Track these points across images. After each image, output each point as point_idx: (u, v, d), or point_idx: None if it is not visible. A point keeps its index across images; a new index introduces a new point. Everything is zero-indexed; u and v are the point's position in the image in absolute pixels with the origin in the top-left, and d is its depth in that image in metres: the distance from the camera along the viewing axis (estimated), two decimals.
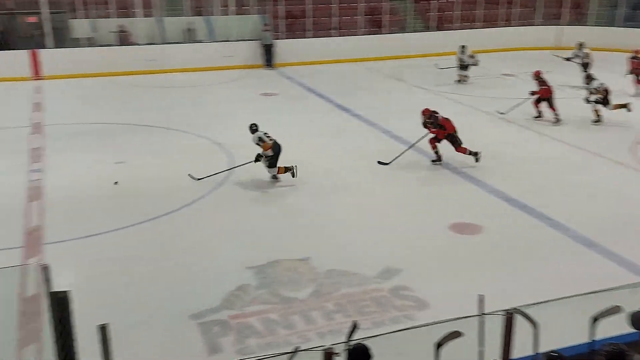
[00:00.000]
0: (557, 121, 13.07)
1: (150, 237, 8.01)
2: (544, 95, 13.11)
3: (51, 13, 18.90)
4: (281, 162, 9.64)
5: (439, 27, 23.26)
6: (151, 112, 14.39)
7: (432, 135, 10.44)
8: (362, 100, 15.67)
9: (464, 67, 17.35)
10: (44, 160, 10.93)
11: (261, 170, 9.74)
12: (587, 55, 17.15)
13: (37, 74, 18.33)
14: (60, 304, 3.59)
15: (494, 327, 4.01)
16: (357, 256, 7.43)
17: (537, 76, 13.27)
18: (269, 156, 9.51)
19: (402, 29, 23.08)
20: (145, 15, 20.28)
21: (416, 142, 10.71)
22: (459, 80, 17.41)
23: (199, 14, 21.52)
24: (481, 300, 3.96)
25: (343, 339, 3.78)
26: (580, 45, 17.46)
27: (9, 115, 14.05)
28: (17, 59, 17.96)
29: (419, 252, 7.55)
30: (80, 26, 19.72)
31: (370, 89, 17.15)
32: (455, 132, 10.37)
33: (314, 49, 20.92)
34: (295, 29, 21.60)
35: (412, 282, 6.80)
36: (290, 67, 20.17)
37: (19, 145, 11.78)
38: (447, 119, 10.40)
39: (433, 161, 10.58)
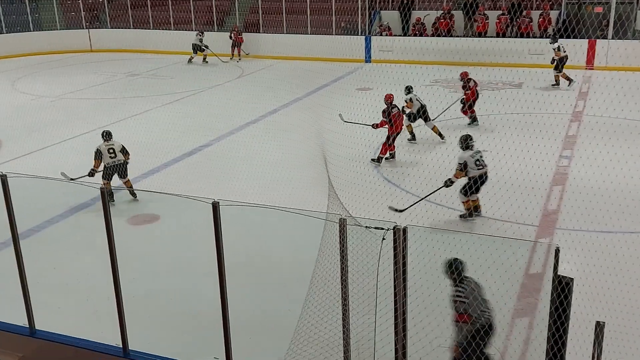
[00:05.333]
0: None
1: None
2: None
3: (618, 3, 18.71)
4: None
5: None
6: None
7: None
8: None
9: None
10: (575, 149, 11.28)
11: None
12: None
13: (589, 64, 18.63)
14: (563, 288, 3.84)
15: None
16: None
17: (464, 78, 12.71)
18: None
19: None
20: None
21: None
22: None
23: None
24: None
25: None
26: None
27: (556, 102, 14.81)
28: (575, 47, 18.48)
29: None
30: None
31: None
32: None
33: None
34: None
35: None
36: None
37: (556, 130, 12.44)
38: None
39: None
